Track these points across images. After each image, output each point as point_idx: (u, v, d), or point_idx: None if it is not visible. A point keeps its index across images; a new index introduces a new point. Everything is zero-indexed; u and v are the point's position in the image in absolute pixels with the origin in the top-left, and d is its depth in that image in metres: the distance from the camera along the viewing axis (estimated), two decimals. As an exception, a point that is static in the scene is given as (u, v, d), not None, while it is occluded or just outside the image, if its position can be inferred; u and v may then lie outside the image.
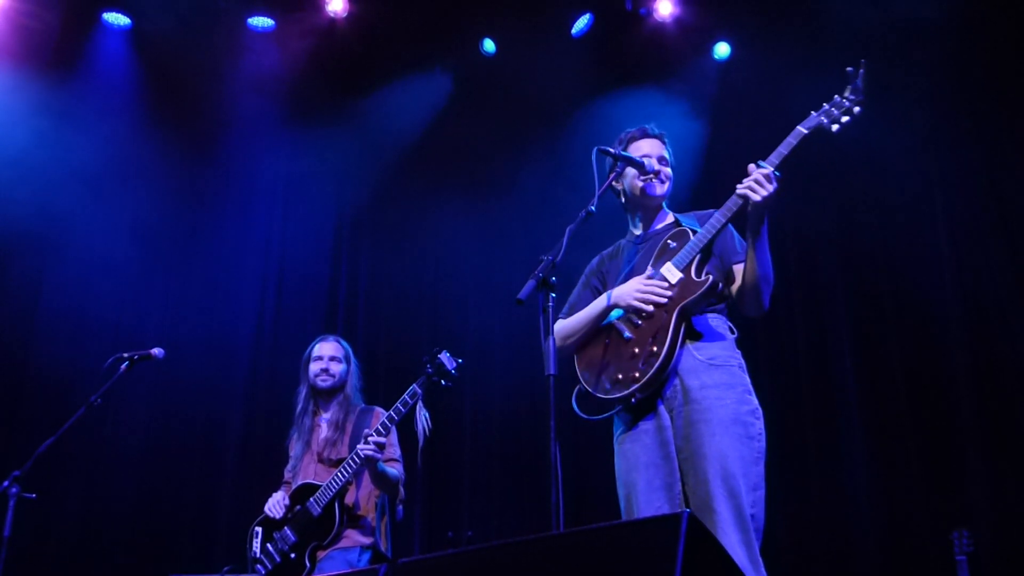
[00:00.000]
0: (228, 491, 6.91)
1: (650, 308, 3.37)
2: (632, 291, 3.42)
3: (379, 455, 4.41)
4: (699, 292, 3.35)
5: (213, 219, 7.52)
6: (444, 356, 4.53)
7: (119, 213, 7.23)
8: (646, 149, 3.65)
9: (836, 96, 3.29)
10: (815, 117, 3.32)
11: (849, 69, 3.27)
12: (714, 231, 3.36)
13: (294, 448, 4.87)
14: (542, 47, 7.42)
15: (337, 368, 4.88)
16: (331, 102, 7.66)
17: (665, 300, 3.36)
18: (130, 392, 6.68)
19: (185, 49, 7.39)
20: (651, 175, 3.60)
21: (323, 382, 4.84)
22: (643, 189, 3.61)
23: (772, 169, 3.23)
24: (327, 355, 4.89)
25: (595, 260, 3.82)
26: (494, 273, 7.22)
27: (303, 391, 4.91)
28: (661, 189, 3.63)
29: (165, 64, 7.45)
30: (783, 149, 3.28)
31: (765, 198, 3.21)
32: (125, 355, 4.76)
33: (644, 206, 3.68)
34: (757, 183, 3.21)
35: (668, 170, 3.66)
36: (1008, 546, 5.50)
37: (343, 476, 4.46)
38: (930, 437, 5.97)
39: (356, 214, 7.78)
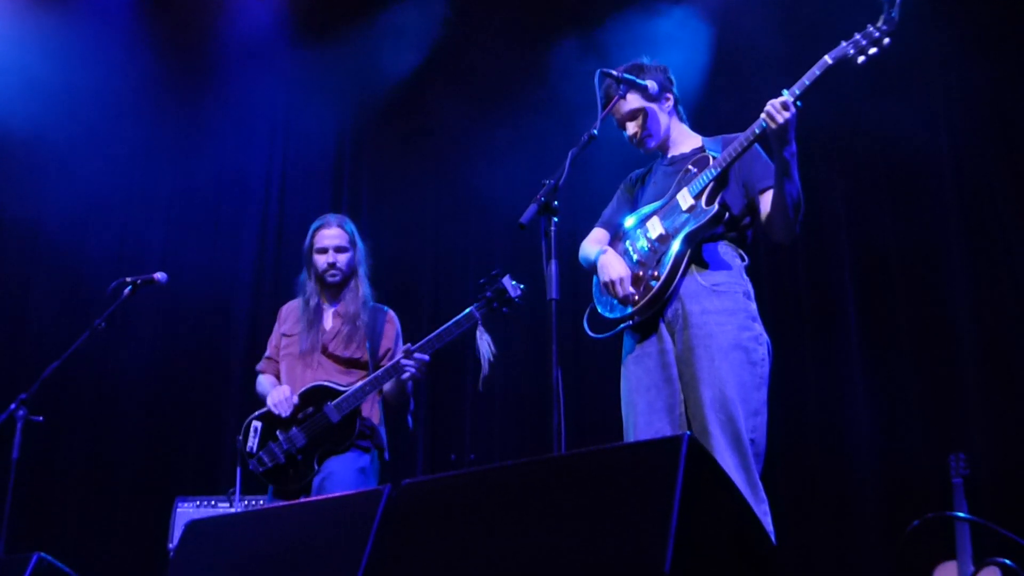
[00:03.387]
0: (233, 414, 6.96)
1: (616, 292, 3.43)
2: (612, 270, 3.45)
3: (420, 375, 4.18)
4: (704, 220, 3.36)
5: (214, 143, 7.45)
6: (507, 281, 4.16)
7: (119, 137, 7.18)
8: (616, 116, 3.65)
9: (868, 25, 3.19)
10: (843, 47, 3.23)
11: None
12: (730, 159, 3.36)
13: (286, 324, 4.56)
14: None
15: (344, 258, 4.45)
16: (332, 25, 7.54)
17: (624, 295, 3.40)
18: (134, 316, 6.70)
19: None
20: (635, 141, 3.68)
21: (332, 278, 4.44)
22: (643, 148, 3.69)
23: (792, 98, 3.20)
24: (332, 245, 4.44)
25: (632, 175, 3.86)
26: (496, 196, 7.18)
27: (309, 283, 4.51)
28: (652, 143, 3.67)
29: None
30: (806, 79, 3.23)
31: (781, 126, 3.19)
32: (128, 279, 4.72)
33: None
34: (775, 110, 3.19)
35: (639, 122, 3.64)
36: (1005, 469, 5.55)
37: (373, 387, 4.18)
38: (929, 360, 5.99)
39: (357, 139, 7.72)
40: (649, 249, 3.46)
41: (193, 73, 7.41)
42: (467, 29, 7.42)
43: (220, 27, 7.45)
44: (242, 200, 7.52)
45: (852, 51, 3.22)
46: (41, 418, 4.57)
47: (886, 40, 3.18)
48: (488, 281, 4.18)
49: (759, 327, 3.39)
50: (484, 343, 4.12)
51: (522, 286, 4.18)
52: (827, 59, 3.24)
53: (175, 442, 6.93)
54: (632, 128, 3.65)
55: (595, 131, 3.28)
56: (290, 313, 4.59)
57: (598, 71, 3.43)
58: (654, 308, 3.39)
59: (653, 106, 3.63)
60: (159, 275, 4.78)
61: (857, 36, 3.22)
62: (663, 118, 3.67)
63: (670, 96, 3.69)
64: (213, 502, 5.35)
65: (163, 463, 6.83)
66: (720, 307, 3.34)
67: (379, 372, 4.20)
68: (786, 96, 3.20)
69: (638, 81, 3.54)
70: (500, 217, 7.01)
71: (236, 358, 7.15)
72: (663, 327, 3.40)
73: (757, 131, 3.28)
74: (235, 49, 7.49)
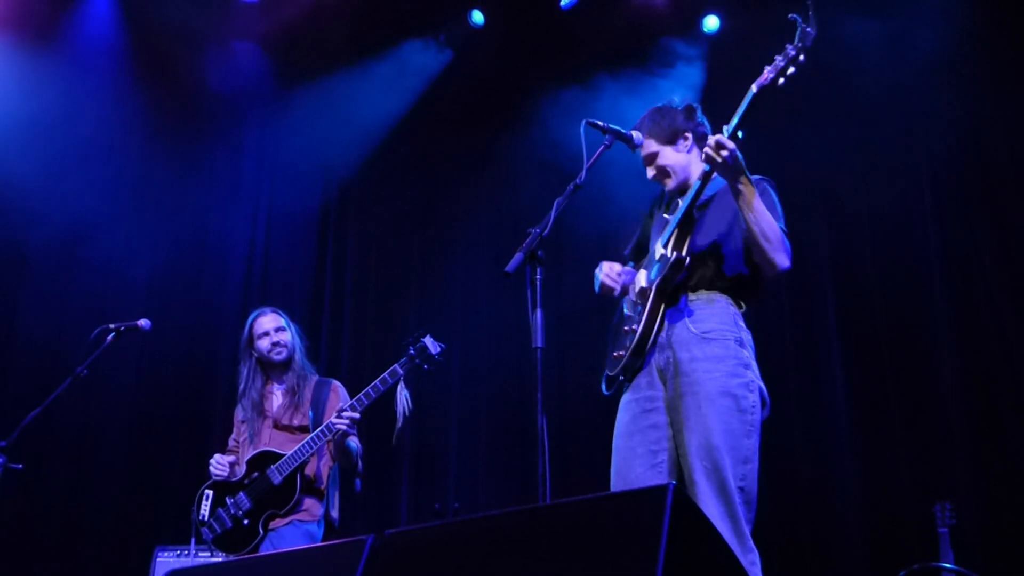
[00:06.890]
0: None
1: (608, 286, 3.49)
2: (601, 271, 3.54)
3: (352, 430, 4.46)
4: (665, 270, 3.34)
5: (199, 189, 7.45)
6: (428, 340, 4.47)
7: (104, 181, 7.17)
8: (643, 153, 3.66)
9: (787, 45, 3.14)
10: (765, 73, 3.21)
11: (793, 16, 3.13)
12: (687, 204, 3.37)
13: (241, 415, 4.85)
14: (530, 19, 7.37)
15: (285, 337, 4.81)
16: (319, 72, 7.59)
17: (613, 284, 3.46)
18: (116, 363, 6.64)
19: (172, 15, 7.30)
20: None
21: (279, 355, 4.77)
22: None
23: (727, 134, 3.20)
24: (272, 328, 4.81)
25: (651, 201, 3.85)
26: (481, 245, 7.21)
27: (245, 370, 4.84)
28: (672, 184, 3.61)
29: (152, 30, 7.36)
30: (738, 112, 3.24)
31: (722, 163, 3.18)
32: (111, 326, 4.76)
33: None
34: (711, 151, 3.18)
35: (655, 166, 3.63)
36: (990, 519, 5.55)
37: (310, 448, 4.45)
38: (914, 410, 6.00)
39: (344, 185, 7.74)
40: (635, 304, 3.48)
41: (180, 119, 7.42)
42: (455, 80, 7.49)
43: (208, 73, 7.47)
44: (227, 246, 7.50)
45: (772, 75, 3.19)
46: (20, 466, 4.53)
47: (801, 56, 3.14)
48: (412, 340, 4.49)
49: (751, 374, 3.33)
50: (403, 398, 4.42)
51: (443, 345, 4.51)
52: (752, 88, 3.23)
53: (156, 491, 6.85)
54: (650, 172, 3.63)
55: (580, 181, 3.29)
56: (240, 410, 4.91)
57: (583, 121, 3.44)
58: (637, 362, 3.40)
59: (666, 148, 3.59)
60: (143, 322, 4.82)
61: (777, 59, 3.19)
62: (680, 158, 3.60)
63: (688, 136, 3.61)
64: (194, 551, 5.28)
65: (143, 512, 6.74)
66: (709, 354, 3.31)
67: (315, 433, 4.47)
68: (720, 135, 3.19)
69: (623, 132, 3.55)
70: (485, 264, 7.04)
71: (218, 407, 7.09)
72: (656, 375, 3.40)
73: (705, 171, 3.30)
74: (223, 95, 7.51)
